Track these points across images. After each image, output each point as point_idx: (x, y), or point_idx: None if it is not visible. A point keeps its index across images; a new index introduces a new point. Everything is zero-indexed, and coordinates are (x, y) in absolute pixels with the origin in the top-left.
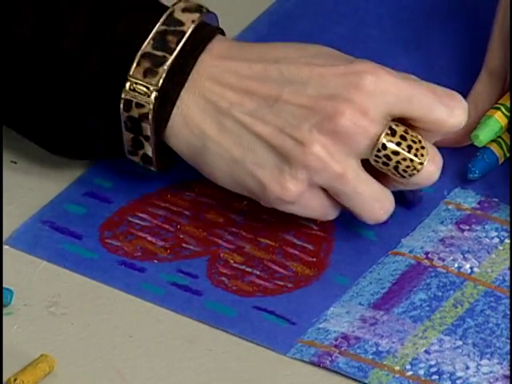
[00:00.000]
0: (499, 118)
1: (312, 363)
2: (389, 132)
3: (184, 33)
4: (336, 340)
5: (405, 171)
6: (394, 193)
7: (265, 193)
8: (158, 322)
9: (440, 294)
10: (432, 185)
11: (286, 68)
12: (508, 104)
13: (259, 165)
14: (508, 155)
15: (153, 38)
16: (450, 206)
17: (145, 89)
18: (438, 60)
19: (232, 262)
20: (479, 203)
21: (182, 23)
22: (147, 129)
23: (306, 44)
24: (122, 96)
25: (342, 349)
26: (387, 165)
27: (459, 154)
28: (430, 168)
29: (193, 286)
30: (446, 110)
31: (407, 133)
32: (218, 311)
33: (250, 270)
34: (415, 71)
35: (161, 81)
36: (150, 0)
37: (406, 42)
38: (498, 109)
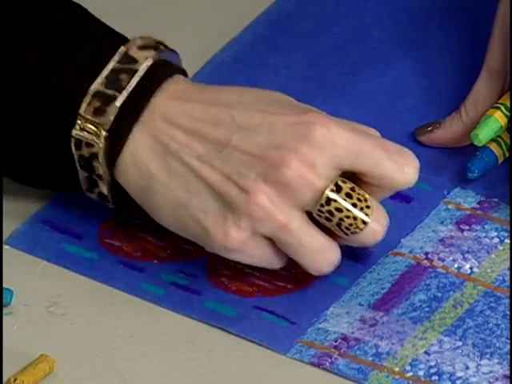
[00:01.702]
0: (499, 118)
1: (312, 364)
2: (334, 188)
3: (136, 71)
4: (336, 341)
5: (347, 229)
6: (342, 245)
7: (208, 239)
8: (158, 322)
9: (440, 294)
10: (431, 184)
11: (238, 113)
12: (508, 103)
13: (203, 210)
14: (507, 155)
15: (106, 76)
16: (449, 206)
17: (94, 128)
18: (438, 60)
19: (232, 262)
20: (479, 203)
21: (135, 61)
22: (99, 168)
23: (263, 90)
24: (73, 134)
25: (342, 350)
26: (330, 220)
27: (459, 153)
28: (375, 227)
29: (193, 286)
30: (395, 167)
31: (353, 190)
32: (217, 311)
33: (249, 270)
34: (415, 71)
35: (111, 120)
36: (112, 33)
37: (406, 41)
38: (498, 108)
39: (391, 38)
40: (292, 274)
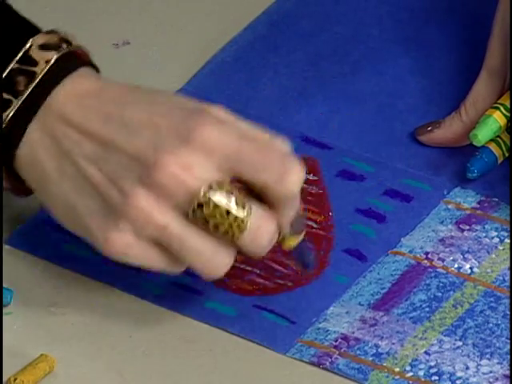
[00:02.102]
0: (498, 118)
1: (312, 364)
2: (207, 190)
3: (34, 74)
4: (336, 341)
5: (226, 234)
6: (292, 253)
7: (94, 242)
8: (158, 322)
9: (440, 294)
10: (431, 184)
11: (128, 113)
12: (507, 104)
13: (89, 212)
14: (507, 155)
15: (6, 77)
16: (449, 206)
17: None
18: (438, 60)
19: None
20: (479, 203)
21: (35, 63)
22: None
23: (163, 92)
24: None
25: (342, 350)
26: (206, 224)
27: (459, 153)
28: (256, 234)
29: (193, 285)
30: (274, 176)
31: (231, 194)
32: (218, 310)
33: (249, 268)
34: (415, 71)
35: (5, 122)
36: (23, 22)
37: (406, 41)
38: (497, 108)
39: (391, 38)
40: (293, 272)
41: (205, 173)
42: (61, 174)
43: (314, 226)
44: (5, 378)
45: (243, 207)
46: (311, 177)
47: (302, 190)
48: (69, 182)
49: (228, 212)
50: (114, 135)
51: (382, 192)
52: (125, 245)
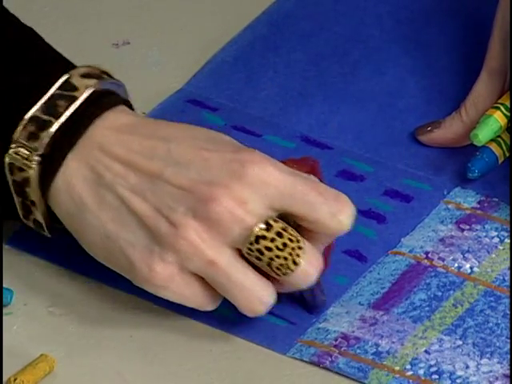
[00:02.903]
0: (498, 118)
1: (312, 363)
2: (264, 226)
3: (75, 98)
4: (336, 340)
5: (278, 269)
6: (294, 294)
7: (134, 272)
8: (158, 322)
9: (440, 293)
10: (431, 184)
11: (174, 147)
12: (507, 103)
13: (131, 243)
14: (508, 155)
15: (44, 102)
16: (449, 206)
17: (27, 152)
18: (437, 60)
19: None
20: (479, 203)
21: (76, 88)
22: (31, 193)
23: (202, 128)
24: (6, 159)
25: (342, 349)
26: (260, 259)
27: (459, 153)
28: (307, 269)
29: None
30: (330, 213)
31: (285, 230)
32: (218, 310)
33: None
34: (415, 71)
35: (43, 145)
36: (56, 58)
37: (406, 41)
38: (498, 108)
39: (391, 38)
40: None
41: (259, 209)
42: (100, 205)
43: None
44: (5, 378)
45: (298, 241)
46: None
47: None
48: (109, 213)
49: (285, 245)
50: (162, 168)
51: (382, 192)
52: (168, 276)
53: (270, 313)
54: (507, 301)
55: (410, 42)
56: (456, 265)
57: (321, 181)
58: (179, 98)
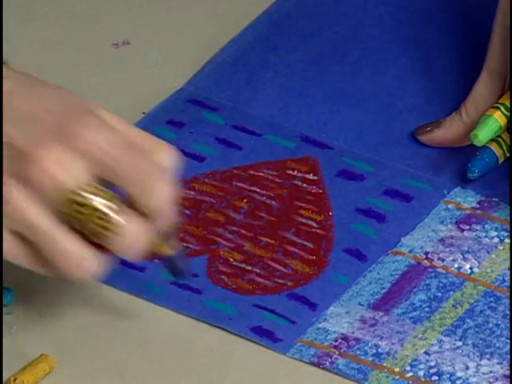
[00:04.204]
0: (498, 118)
1: (312, 364)
2: (83, 193)
3: None
4: (336, 341)
5: (99, 235)
6: (165, 262)
7: None
8: (158, 322)
9: (440, 294)
10: (431, 184)
11: (16, 104)
12: (507, 103)
13: None
14: (508, 155)
15: None
16: (449, 206)
17: None
18: (438, 60)
19: (232, 260)
20: (479, 203)
21: None
22: None
23: (57, 87)
24: None
25: (342, 350)
26: (80, 225)
27: (459, 153)
28: (129, 236)
29: (193, 284)
30: (141, 190)
31: (106, 196)
32: (217, 309)
33: (249, 268)
34: (415, 71)
35: None
36: None
37: (406, 41)
38: (498, 108)
39: (391, 38)
40: (292, 272)
41: (77, 172)
42: None
43: (314, 225)
44: (5, 378)
45: (114, 208)
46: (311, 177)
47: (302, 190)
48: None
49: (105, 214)
50: (7, 125)
51: (382, 192)
52: None
53: (271, 310)
54: (507, 301)
55: (410, 42)
56: (456, 265)
57: (321, 181)
58: (179, 97)
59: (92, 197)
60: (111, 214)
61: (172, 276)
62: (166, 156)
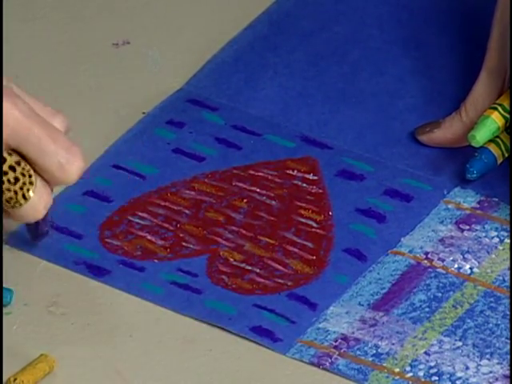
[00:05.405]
0: (496, 118)
1: (312, 364)
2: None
3: None
4: (336, 341)
5: (8, 202)
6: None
7: None
8: (158, 322)
9: (440, 294)
10: (431, 184)
11: None
12: (505, 104)
13: None
14: (506, 155)
15: None
16: (449, 206)
17: None
18: (437, 60)
19: (232, 260)
20: (479, 203)
21: None
22: None
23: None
24: None
25: (342, 350)
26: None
27: (459, 153)
28: (36, 205)
29: (193, 284)
30: (58, 162)
31: (19, 165)
32: (217, 309)
33: (249, 268)
34: (415, 71)
35: None
36: None
37: (406, 41)
38: (495, 109)
39: (391, 38)
40: (292, 271)
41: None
42: None
43: (314, 225)
44: (5, 378)
45: (30, 176)
46: (311, 176)
47: (302, 190)
48: None
49: (16, 179)
50: None
51: (382, 192)
52: None
53: (271, 310)
54: (507, 301)
55: (410, 42)
56: (456, 265)
57: (321, 181)
58: (179, 97)
59: (3, 168)
60: (21, 189)
61: (31, 236)
62: (61, 123)
